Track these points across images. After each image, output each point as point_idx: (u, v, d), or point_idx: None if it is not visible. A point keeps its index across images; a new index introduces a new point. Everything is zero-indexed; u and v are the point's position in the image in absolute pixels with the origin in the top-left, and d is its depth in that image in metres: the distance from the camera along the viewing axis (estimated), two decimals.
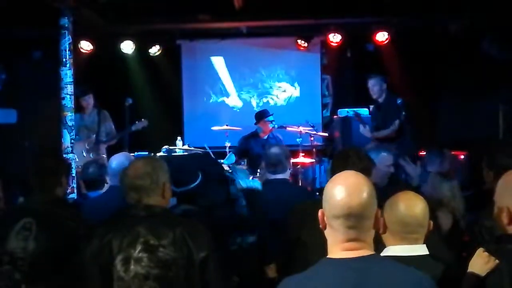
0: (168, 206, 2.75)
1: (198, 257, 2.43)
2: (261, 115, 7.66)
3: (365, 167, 3.13)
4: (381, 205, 2.00)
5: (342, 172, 2.00)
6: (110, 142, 7.59)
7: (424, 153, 5.63)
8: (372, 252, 1.89)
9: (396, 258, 2.40)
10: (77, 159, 6.74)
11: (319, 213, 1.93)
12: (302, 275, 1.90)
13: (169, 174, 2.71)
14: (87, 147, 7.38)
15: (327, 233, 1.92)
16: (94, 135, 7.46)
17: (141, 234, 2.42)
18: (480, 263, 2.20)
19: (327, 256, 1.90)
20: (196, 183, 3.12)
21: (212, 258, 2.48)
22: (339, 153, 3.40)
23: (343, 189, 1.88)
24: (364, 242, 1.87)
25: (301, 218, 3.10)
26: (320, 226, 1.94)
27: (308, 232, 2.96)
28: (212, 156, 5.39)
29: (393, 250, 2.45)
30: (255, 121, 7.61)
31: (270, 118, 7.55)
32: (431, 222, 2.47)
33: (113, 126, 7.63)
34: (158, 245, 1.98)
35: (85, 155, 7.29)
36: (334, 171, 3.13)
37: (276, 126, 7.82)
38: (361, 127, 6.99)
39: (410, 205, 2.45)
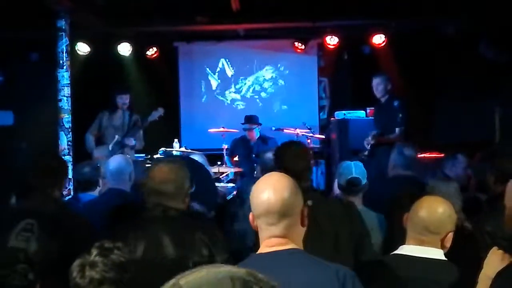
0: None
1: (220, 259, 2.49)
2: (244, 121, 7.71)
3: (310, 162, 3.16)
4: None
5: (267, 174, 2.10)
6: (133, 144, 7.18)
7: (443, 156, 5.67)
8: (293, 247, 1.95)
9: (402, 256, 2.46)
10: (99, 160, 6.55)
11: (250, 216, 2.02)
12: None
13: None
14: (110, 148, 7.01)
15: (258, 232, 2.00)
16: (118, 136, 7.06)
17: (160, 236, 2.48)
18: (496, 260, 2.19)
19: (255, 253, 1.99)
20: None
21: (231, 261, 2.52)
22: (284, 147, 3.33)
23: (264, 189, 1.96)
24: (286, 238, 1.95)
25: None
26: (252, 227, 2.02)
27: None
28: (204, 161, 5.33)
29: (403, 248, 2.50)
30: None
31: (245, 126, 7.59)
32: (451, 234, 2.46)
33: (141, 133, 7.28)
34: (113, 248, 1.98)
35: (109, 157, 6.87)
36: (282, 164, 3.17)
37: (273, 128, 7.85)
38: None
39: (425, 208, 2.47)
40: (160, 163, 2.82)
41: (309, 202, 2.91)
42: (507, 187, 2.37)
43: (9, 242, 2.70)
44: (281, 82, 9.74)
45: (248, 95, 9.77)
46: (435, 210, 2.46)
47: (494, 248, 2.22)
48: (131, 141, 7.11)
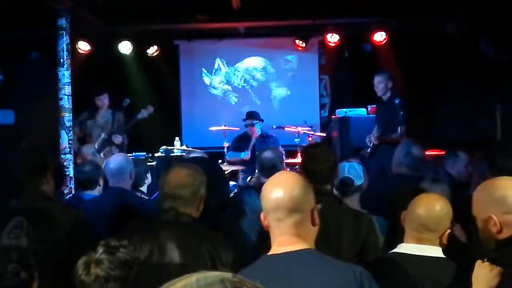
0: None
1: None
2: (246, 117, 7.72)
3: (332, 165, 3.16)
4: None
5: (278, 172, 2.15)
6: (121, 141, 7.34)
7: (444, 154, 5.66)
8: (306, 247, 1.95)
9: (401, 255, 2.45)
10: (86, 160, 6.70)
11: (261, 215, 2.03)
12: (244, 271, 1.97)
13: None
14: (96, 146, 7.19)
15: (270, 232, 2.01)
16: (104, 134, 7.25)
17: (167, 241, 2.51)
18: (484, 273, 2.17)
19: (267, 253, 1.99)
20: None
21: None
22: (307, 148, 3.37)
23: (273, 185, 1.99)
24: (297, 237, 1.95)
25: None
26: (264, 228, 2.03)
27: None
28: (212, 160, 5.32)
29: (401, 247, 2.50)
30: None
31: (247, 122, 7.62)
32: (448, 231, 2.46)
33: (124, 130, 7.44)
34: (119, 246, 1.99)
35: (95, 155, 7.06)
36: (304, 165, 3.19)
37: (274, 126, 7.85)
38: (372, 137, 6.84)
39: (423, 206, 2.47)
40: (177, 167, 2.80)
41: (319, 206, 2.94)
42: (473, 198, 2.33)
43: (1, 241, 2.71)
44: (281, 79, 9.73)
45: (249, 92, 9.76)
46: (433, 207, 2.46)
47: (479, 262, 2.20)
48: (118, 138, 7.18)
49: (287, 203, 1.95)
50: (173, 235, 2.55)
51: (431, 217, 2.44)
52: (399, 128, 6.58)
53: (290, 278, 1.87)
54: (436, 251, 2.44)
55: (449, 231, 2.47)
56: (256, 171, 5.77)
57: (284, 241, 1.95)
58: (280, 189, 1.97)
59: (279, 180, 2.03)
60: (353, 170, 3.68)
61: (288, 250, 1.93)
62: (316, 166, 3.09)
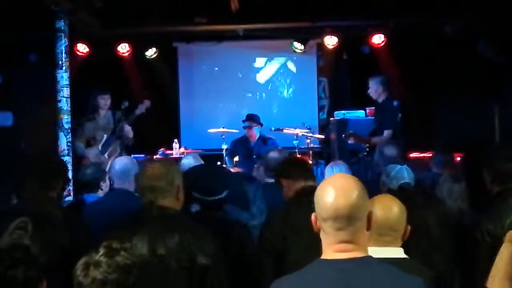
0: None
1: (202, 263, 2.51)
2: (245, 119, 7.73)
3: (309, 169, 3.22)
4: None
5: (332, 175, 2.05)
6: (124, 137, 7.26)
7: (431, 155, 5.68)
8: (365, 254, 1.89)
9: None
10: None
11: (312, 217, 1.94)
12: (293, 275, 1.92)
13: (196, 180, 2.89)
14: (100, 148, 7.15)
15: (321, 235, 1.93)
16: (107, 135, 7.20)
17: (147, 236, 2.53)
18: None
19: (320, 258, 1.91)
20: (221, 196, 3.16)
21: (216, 266, 2.54)
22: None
23: (331, 191, 1.88)
24: (355, 244, 1.87)
25: (281, 224, 3.07)
26: (314, 229, 1.94)
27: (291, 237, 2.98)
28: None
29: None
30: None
31: (245, 124, 7.63)
32: (408, 227, 2.47)
33: (130, 128, 7.34)
34: (120, 248, 1.98)
35: (100, 157, 7.02)
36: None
37: (272, 129, 7.85)
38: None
39: (384, 208, 2.45)
40: (152, 162, 2.91)
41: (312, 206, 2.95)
42: None
43: (2, 240, 2.71)
44: (280, 82, 9.74)
45: (248, 95, 9.77)
46: (392, 208, 2.47)
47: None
48: (130, 132, 7.14)
49: (347, 212, 1.84)
50: (155, 229, 2.57)
51: (393, 217, 2.44)
52: (385, 131, 6.61)
53: (353, 285, 1.81)
54: (398, 252, 2.43)
55: (409, 227, 2.47)
56: (253, 173, 5.78)
57: (342, 248, 1.87)
58: (339, 196, 1.86)
59: (336, 184, 1.89)
60: (412, 174, 3.70)
61: (349, 257, 1.85)
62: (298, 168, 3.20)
